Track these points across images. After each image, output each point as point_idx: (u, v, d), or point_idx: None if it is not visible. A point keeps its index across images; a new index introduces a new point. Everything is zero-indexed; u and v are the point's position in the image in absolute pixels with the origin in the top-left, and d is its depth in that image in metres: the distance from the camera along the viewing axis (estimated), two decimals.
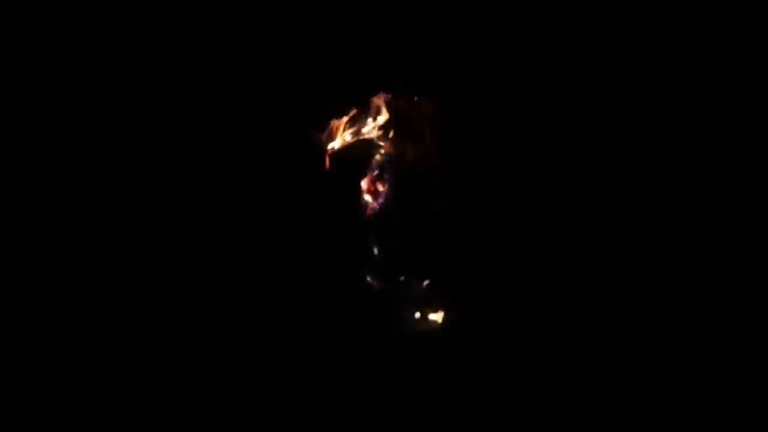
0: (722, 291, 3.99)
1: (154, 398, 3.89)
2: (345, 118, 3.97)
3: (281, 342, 4.00)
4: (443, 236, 4.01)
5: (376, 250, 3.98)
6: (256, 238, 4.08)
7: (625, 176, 4.11)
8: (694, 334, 3.95)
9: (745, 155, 4.08)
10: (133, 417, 3.86)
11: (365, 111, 3.97)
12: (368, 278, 4.00)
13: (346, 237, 4.02)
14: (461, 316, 4.00)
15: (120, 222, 4.09)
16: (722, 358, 3.89)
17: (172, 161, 4.11)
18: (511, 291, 4.05)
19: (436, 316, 4.00)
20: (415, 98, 3.98)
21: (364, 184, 3.98)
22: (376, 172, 3.98)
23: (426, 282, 4.00)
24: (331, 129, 3.96)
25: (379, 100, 3.96)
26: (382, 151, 3.98)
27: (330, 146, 3.97)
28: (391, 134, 3.97)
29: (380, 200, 3.97)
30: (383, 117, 3.96)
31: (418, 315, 3.99)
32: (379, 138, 3.97)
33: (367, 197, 3.98)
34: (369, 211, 3.98)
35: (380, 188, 3.97)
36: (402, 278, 3.99)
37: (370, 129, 3.97)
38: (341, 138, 3.96)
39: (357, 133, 3.97)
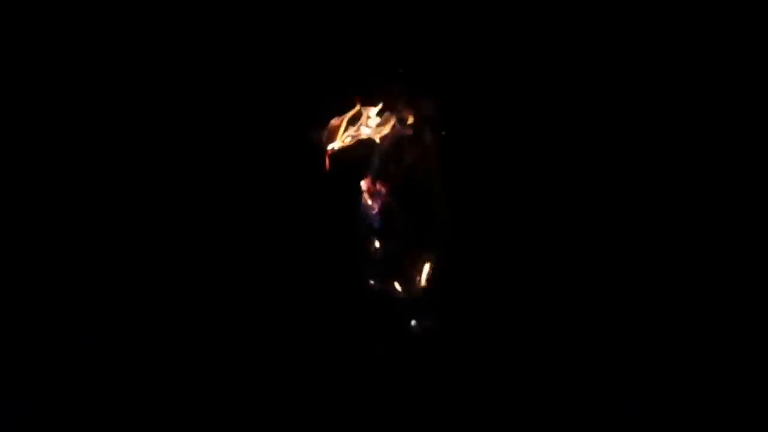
0: (722, 291, 4.00)
1: (154, 398, 3.90)
2: (345, 119, 3.96)
3: (281, 342, 4.00)
4: (443, 236, 4.01)
5: (375, 251, 3.98)
6: (256, 239, 4.09)
7: (625, 176, 4.11)
8: (694, 334, 3.95)
9: (744, 155, 4.08)
10: (133, 417, 3.87)
11: (365, 111, 3.97)
12: (368, 279, 4.00)
13: (346, 237, 4.02)
14: (461, 316, 4.00)
15: (120, 221, 4.10)
16: (722, 357, 3.90)
17: (172, 161, 4.11)
18: (511, 291, 4.05)
19: (436, 316, 4.00)
20: (415, 98, 3.97)
21: (363, 184, 3.98)
22: (375, 172, 3.98)
23: (426, 282, 4.00)
24: (331, 129, 3.96)
25: (378, 101, 3.95)
26: (382, 152, 3.98)
27: (330, 147, 3.96)
28: (391, 135, 3.96)
29: (380, 200, 3.97)
30: (383, 117, 3.96)
31: (417, 315, 4.00)
32: (379, 138, 3.97)
33: (367, 198, 3.98)
34: (369, 212, 3.98)
35: (380, 189, 3.97)
36: (402, 278, 3.99)
37: (370, 129, 3.96)
38: (341, 138, 3.96)
39: (357, 133, 3.97)
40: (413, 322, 4.00)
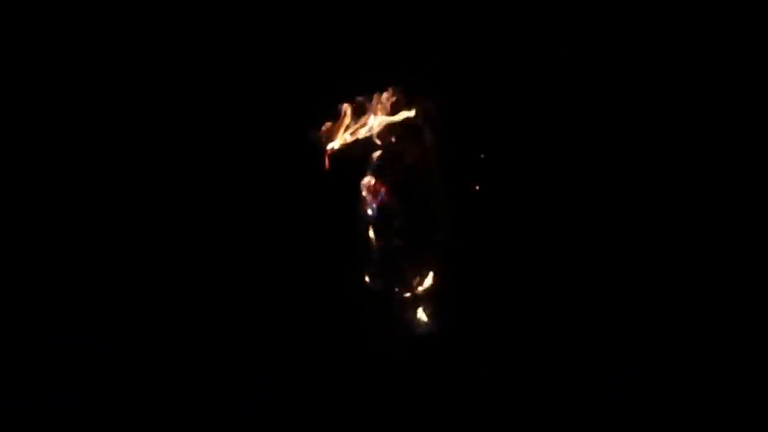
0: (721, 291, 4.00)
1: (153, 399, 3.89)
2: (345, 118, 3.96)
3: (281, 342, 4.00)
4: (443, 236, 4.00)
5: (375, 250, 3.98)
6: (256, 238, 4.08)
7: (626, 176, 4.11)
8: (693, 334, 3.95)
9: (744, 155, 4.08)
10: (133, 417, 3.86)
11: (365, 111, 3.97)
12: (368, 278, 3.99)
13: (346, 237, 4.02)
14: (461, 316, 4.00)
15: (119, 221, 4.10)
16: (721, 357, 3.90)
17: (173, 161, 4.11)
18: (511, 291, 4.05)
19: (436, 316, 4.00)
20: (416, 98, 3.98)
21: (363, 184, 3.98)
22: (375, 172, 3.98)
23: (426, 282, 4.00)
24: (331, 129, 3.96)
25: (378, 100, 3.96)
26: (382, 151, 3.98)
27: (330, 146, 3.96)
28: (390, 134, 3.97)
29: (380, 200, 3.97)
30: (383, 117, 3.96)
31: (417, 315, 3.99)
32: (379, 138, 3.97)
33: (367, 197, 3.98)
34: (369, 211, 3.98)
35: (380, 188, 3.97)
36: (402, 278, 3.99)
37: (370, 129, 3.96)
38: (341, 138, 3.96)
39: (357, 133, 3.97)
40: (413, 322, 4.00)
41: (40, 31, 4.09)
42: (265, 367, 3.96)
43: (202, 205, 4.10)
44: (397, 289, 4.01)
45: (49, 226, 4.07)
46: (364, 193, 3.98)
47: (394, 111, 3.96)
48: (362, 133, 3.97)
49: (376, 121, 3.96)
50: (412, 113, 3.97)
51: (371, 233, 3.99)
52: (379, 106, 3.96)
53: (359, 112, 3.97)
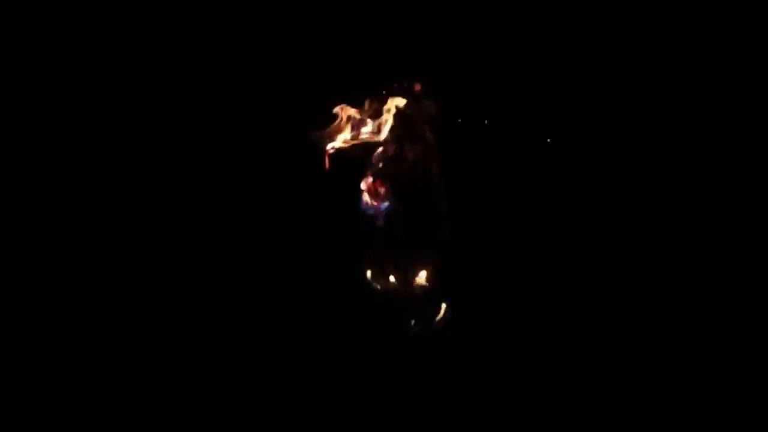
0: (721, 291, 4.00)
1: (154, 398, 3.89)
2: (345, 118, 3.96)
3: (282, 341, 4.00)
4: (443, 236, 4.01)
5: (376, 250, 3.98)
6: (256, 238, 4.09)
7: (626, 176, 4.11)
8: (694, 335, 3.96)
9: (744, 155, 4.08)
10: (133, 417, 3.86)
11: (366, 111, 3.97)
12: (369, 278, 4.00)
13: (347, 236, 4.02)
14: (461, 316, 4.00)
15: (119, 219, 4.10)
16: (720, 357, 3.90)
17: (173, 161, 4.11)
18: (511, 290, 4.05)
19: (437, 316, 4.00)
20: (416, 98, 3.97)
21: (364, 184, 3.98)
22: (376, 172, 3.98)
23: (426, 281, 4.00)
24: (332, 129, 3.96)
25: (379, 100, 3.96)
26: (383, 151, 3.98)
27: (330, 146, 3.96)
28: (391, 134, 3.96)
29: (380, 200, 3.97)
30: (384, 117, 3.96)
31: (418, 314, 3.99)
32: (380, 138, 3.97)
33: (367, 197, 3.98)
34: (369, 211, 3.97)
35: (380, 188, 3.97)
36: (402, 278, 3.99)
37: (371, 129, 3.96)
38: (342, 138, 3.96)
39: (357, 133, 3.96)
40: (413, 321, 4.00)
41: (40, 31, 4.09)
42: (265, 367, 3.96)
43: (203, 205, 4.11)
44: (397, 289, 4.00)
45: (49, 225, 4.07)
46: (364, 193, 3.98)
47: (394, 111, 3.96)
48: (363, 133, 3.96)
49: (376, 122, 3.96)
50: (412, 114, 3.97)
51: (371, 233, 3.99)
52: (380, 106, 3.95)
53: (360, 113, 3.97)
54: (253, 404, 3.90)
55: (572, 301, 4.03)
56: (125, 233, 4.09)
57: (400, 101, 3.97)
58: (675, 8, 4.13)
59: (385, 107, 3.96)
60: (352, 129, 3.96)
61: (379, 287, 4.00)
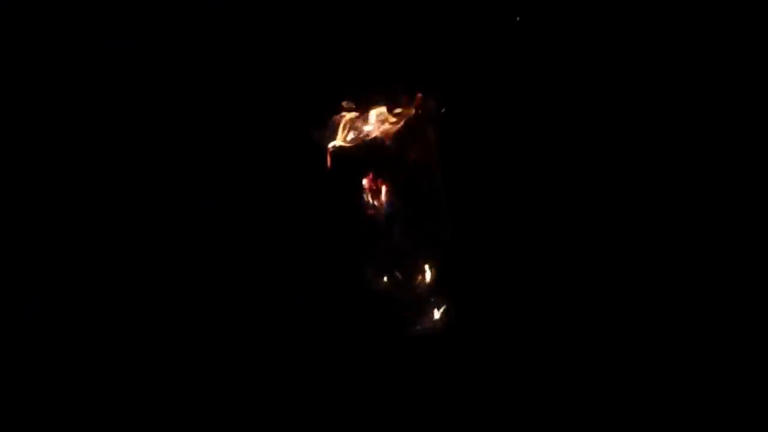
0: (721, 291, 4.01)
1: (153, 398, 3.89)
2: (346, 117, 3.96)
3: (281, 342, 3.99)
4: (444, 235, 4.00)
5: (377, 250, 3.98)
6: (256, 238, 4.07)
7: (626, 175, 4.11)
8: (693, 335, 3.96)
9: (744, 155, 4.09)
10: (133, 417, 3.86)
11: (367, 109, 3.96)
12: (369, 278, 3.99)
13: (347, 236, 4.01)
14: (462, 316, 4.00)
15: (119, 220, 4.08)
16: (720, 358, 3.92)
17: (173, 160, 4.09)
18: (512, 291, 4.05)
19: (437, 316, 4.00)
20: (417, 97, 3.97)
21: (365, 183, 3.97)
22: (377, 171, 3.97)
23: (427, 282, 4.00)
24: (333, 128, 3.95)
25: (381, 99, 3.95)
26: (384, 150, 3.98)
27: (331, 145, 3.96)
28: (392, 133, 3.96)
29: (382, 199, 3.96)
30: (385, 115, 3.96)
31: (419, 315, 3.99)
32: (381, 137, 3.96)
33: (369, 196, 3.97)
34: (370, 211, 3.97)
35: (382, 187, 3.96)
36: (403, 278, 3.99)
37: (372, 127, 3.96)
38: (343, 137, 3.95)
39: (358, 131, 3.96)
40: (414, 322, 4.00)
41: (40, 30, 4.07)
42: (265, 367, 3.96)
43: (203, 204, 4.09)
44: (398, 288, 4.00)
45: (48, 225, 4.06)
46: (365, 192, 3.97)
47: (395, 110, 3.96)
48: (364, 132, 3.96)
49: (377, 121, 3.95)
50: (413, 112, 3.97)
51: (372, 232, 3.98)
52: (381, 104, 3.95)
53: (361, 111, 3.96)
54: (253, 404, 3.90)
55: (573, 301, 4.03)
56: (125, 233, 4.07)
57: (401, 101, 3.97)
58: (675, 8, 4.13)
59: (386, 107, 3.96)
60: (354, 128, 3.95)
61: (379, 287, 3.99)
